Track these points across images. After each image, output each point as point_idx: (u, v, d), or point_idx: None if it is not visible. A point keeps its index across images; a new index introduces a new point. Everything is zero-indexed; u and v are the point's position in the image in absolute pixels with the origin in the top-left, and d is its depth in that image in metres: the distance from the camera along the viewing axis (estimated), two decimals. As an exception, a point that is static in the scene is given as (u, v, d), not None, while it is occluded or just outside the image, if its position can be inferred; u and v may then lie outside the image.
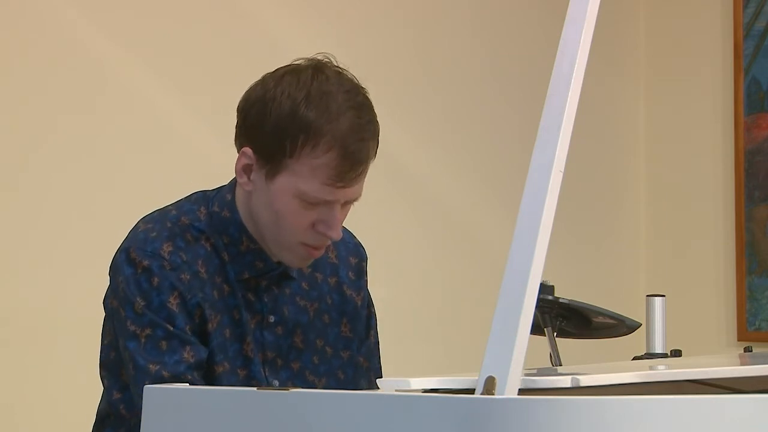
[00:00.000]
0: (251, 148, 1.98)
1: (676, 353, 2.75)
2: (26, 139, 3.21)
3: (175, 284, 1.97)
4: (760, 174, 4.28)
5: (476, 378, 1.31)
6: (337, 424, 1.37)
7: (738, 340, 4.30)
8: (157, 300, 1.96)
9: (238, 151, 2.03)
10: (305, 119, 1.92)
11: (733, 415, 1.31)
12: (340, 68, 2.00)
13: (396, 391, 1.44)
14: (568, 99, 1.39)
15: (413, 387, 1.45)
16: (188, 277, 1.98)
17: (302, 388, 2.05)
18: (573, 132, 1.39)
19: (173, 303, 1.96)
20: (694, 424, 1.29)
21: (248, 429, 1.45)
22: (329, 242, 2.03)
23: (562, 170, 1.37)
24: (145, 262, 1.97)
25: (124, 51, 3.37)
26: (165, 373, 1.93)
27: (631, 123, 4.59)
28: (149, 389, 1.58)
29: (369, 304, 2.24)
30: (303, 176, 1.93)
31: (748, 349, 2.72)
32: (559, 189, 1.37)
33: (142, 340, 1.96)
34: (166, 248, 1.99)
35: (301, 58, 2.03)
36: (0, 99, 3.17)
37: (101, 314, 3.24)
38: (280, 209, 1.97)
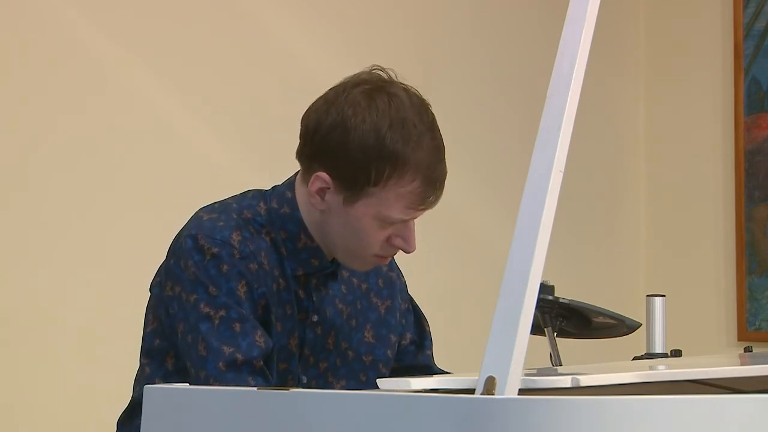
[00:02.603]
0: (329, 174, 2.01)
1: (676, 353, 2.75)
2: (26, 139, 3.21)
3: (243, 273, 1.99)
4: (760, 174, 4.28)
5: (476, 378, 1.31)
6: (337, 424, 1.37)
7: (738, 340, 4.30)
8: (226, 286, 1.98)
9: (303, 168, 2.06)
10: (390, 150, 1.97)
11: (733, 415, 1.31)
12: (403, 84, 2.05)
13: (396, 391, 1.44)
14: (568, 99, 1.39)
15: (413, 387, 1.45)
16: (255, 266, 2.01)
17: (322, 387, 2.09)
18: (573, 132, 1.39)
19: (241, 291, 1.99)
20: (694, 424, 1.29)
21: (248, 429, 1.45)
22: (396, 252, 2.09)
23: (562, 170, 1.37)
24: (215, 249, 1.99)
25: (124, 51, 3.37)
26: (239, 356, 1.95)
27: (631, 123, 4.59)
28: (149, 389, 1.58)
29: (421, 320, 2.33)
30: (386, 203, 2.00)
31: (748, 349, 2.72)
32: (559, 189, 1.37)
33: (216, 321, 1.97)
34: (236, 237, 2.01)
35: (363, 72, 2.06)
36: (0, 99, 3.17)
37: (101, 314, 3.26)
38: (358, 230, 2.02)
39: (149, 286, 2.12)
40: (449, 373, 2.28)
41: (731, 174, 4.36)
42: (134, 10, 3.39)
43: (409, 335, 2.28)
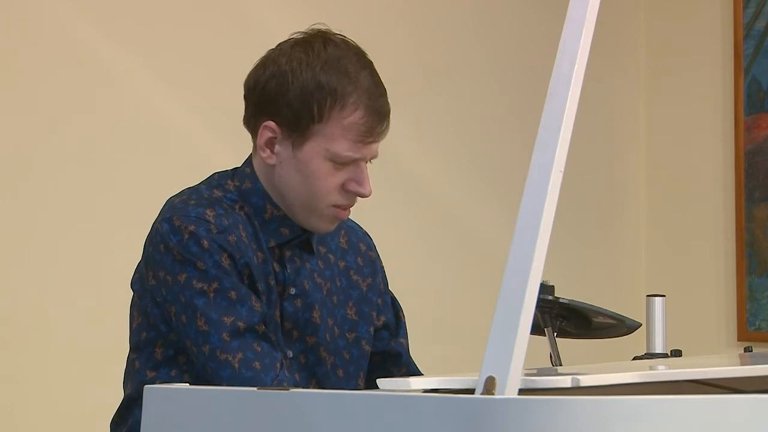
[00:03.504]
0: (274, 121, 2.04)
1: (676, 353, 2.75)
2: (27, 139, 3.21)
3: (224, 245, 2.00)
4: (760, 174, 4.28)
5: (476, 378, 1.31)
6: (337, 424, 1.37)
7: (738, 340, 4.30)
8: (211, 260, 1.99)
9: (251, 131, 2.09)
10: (329, 83, 2.01)
11: (733, 415, 1.31)
12: (340, 35, 2.10)
13: (396, 391, 1.44)
14: (568, 99, 1.39)
15: (413, 387, 1.45)
16: (234, 238, 2.02)
17: (314, 362, 2.09)
18: (573, 132, 1.39)
19: (225, 263, 2.00)
20: (694, 424, 1.29)
21: (248, 429, 1.45)
22: (355, 202, 2.10)
23: (562, 170, 1.37)
24: (192, 227, 2.00)
25: (125, 51, 3.37)
26: (241, 324, 1.97)
27: (631, 123, 4.59)
28: (149, 389, 1.58)
29: (398, 309, 2.30)
30: (333, 138, 2.01)
31: (748, 349, 2.73)
32: (559, 189, 1.37)
33: (211, 294, 1.98)
34: (210, 213, 2.03)
35: (297, 32, 2.10)
36: (1, 100, 3.17)
37: (101, 314, 3.25)
38: (310, 174, 2.03)
39: (130, 284, 2.13)
40: (421, 374, 2.27)
41: (731, 174, 4.35)
42: (135, 11, 3.40)
43: (384, 318, 2.27)
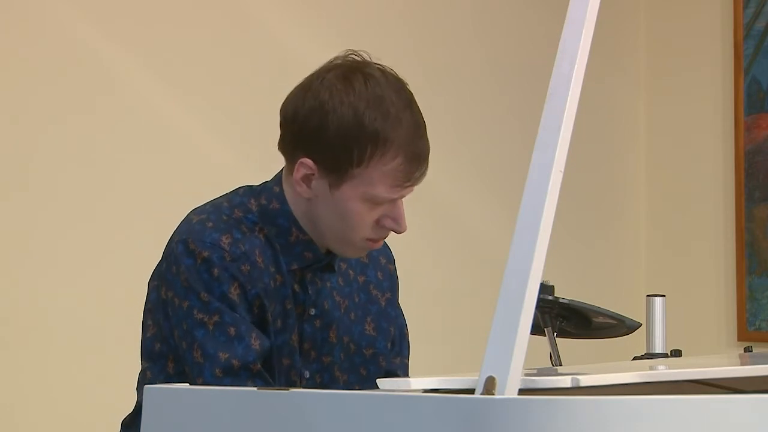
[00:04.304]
0: (312, 159, 2.00)
1: (676, 353, 2.75)
2: (27, 139, 3.21)
3: (236, 275, 1.99)
4: (760, 174, 4.28)
5: (476, 378, 1.31)
6: (337, 424, 1.37)
7: (738, 340, 4.30)
8: (219, 290, 1.98)
9: (287, 159, 2.06)
10: (370, 129, 1.97)
11: (733, 415, 1.31)
12: (378, 64, 2.05)
13: (396, 391, 1.44)
14: (568, 99, 1.39)
15: (413, 387, 1.45)
16: (248, 268, 2.01)
17: (328, 381, 2.09)
18: (573, 132, 1.39)
19: (234, 293, 1.99)
20: (694, 424, 1.29)
21: (248, 429, 1.45)
22: (388, 234, 2.08)
23: (562, 170, 1.37)
24: (205, 253, 1.99)
25: (125, 51, 3.37)
26: (235, 362, 1.96)
27: (631, 123, 4.60)
28: (149, 389, 1.58)
29: (403, 326, 2.27)
30: (372, 182, 1.99)
31: (748, 349, 2.73)
32: (559, 189, 1.37)
33: (211, 327, 1.97)
34: (225, 239, 2.01)
35: (337, 57, 2.05)
36: (3, 101, 3.17)
37: (101, 314, 3.25)
38: (346, 213, 2.01)
39: (148, 286, 2.12)
40: None
41: (731, 174, 4.36)
42: (136, 12, 3.40)
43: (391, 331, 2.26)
